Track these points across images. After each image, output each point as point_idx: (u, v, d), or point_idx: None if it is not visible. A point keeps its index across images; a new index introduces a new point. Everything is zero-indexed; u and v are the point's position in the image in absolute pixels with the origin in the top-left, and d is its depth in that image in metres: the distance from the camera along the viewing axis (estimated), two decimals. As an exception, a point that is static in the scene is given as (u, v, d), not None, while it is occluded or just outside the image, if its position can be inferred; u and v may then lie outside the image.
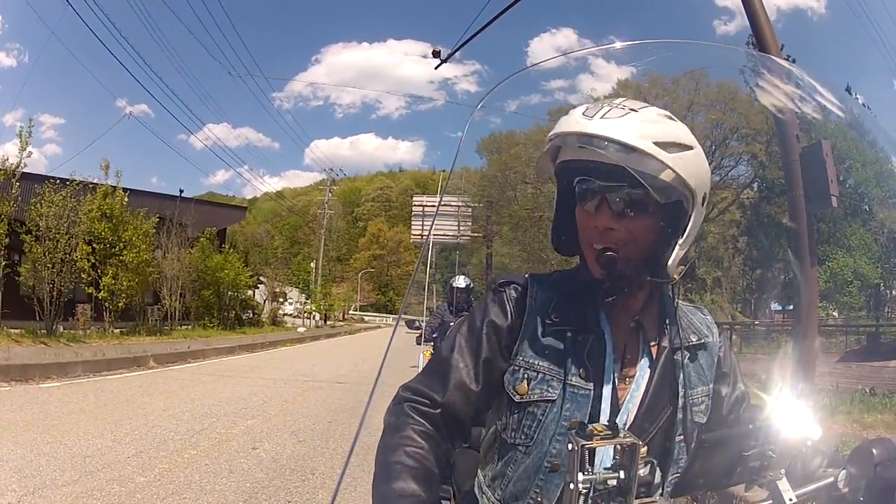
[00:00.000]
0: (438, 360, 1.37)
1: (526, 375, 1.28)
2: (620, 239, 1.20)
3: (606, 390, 1.25)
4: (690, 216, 1.19)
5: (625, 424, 1.23)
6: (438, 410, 1.28)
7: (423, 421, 1.27)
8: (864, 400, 9.38)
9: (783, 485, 1.12)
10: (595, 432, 1.22)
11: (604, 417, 1.24)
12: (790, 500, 1.11)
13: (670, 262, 1.19)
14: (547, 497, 1.27)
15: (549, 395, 1.26)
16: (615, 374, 1.27)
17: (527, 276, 1.37)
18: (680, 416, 1.27)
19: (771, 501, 1.13)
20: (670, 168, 1.12)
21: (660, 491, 1.32)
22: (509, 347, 1.31)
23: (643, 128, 1.14)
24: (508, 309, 1.33)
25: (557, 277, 1.37)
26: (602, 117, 1.15)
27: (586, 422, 1.14)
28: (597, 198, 1.20)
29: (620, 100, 1.22)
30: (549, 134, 1.21)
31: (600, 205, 1.20)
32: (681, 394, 1.28)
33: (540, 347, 1.28)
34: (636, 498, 1.17)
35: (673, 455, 1.27)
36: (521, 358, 1.29)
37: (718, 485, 1.16)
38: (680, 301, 1.40)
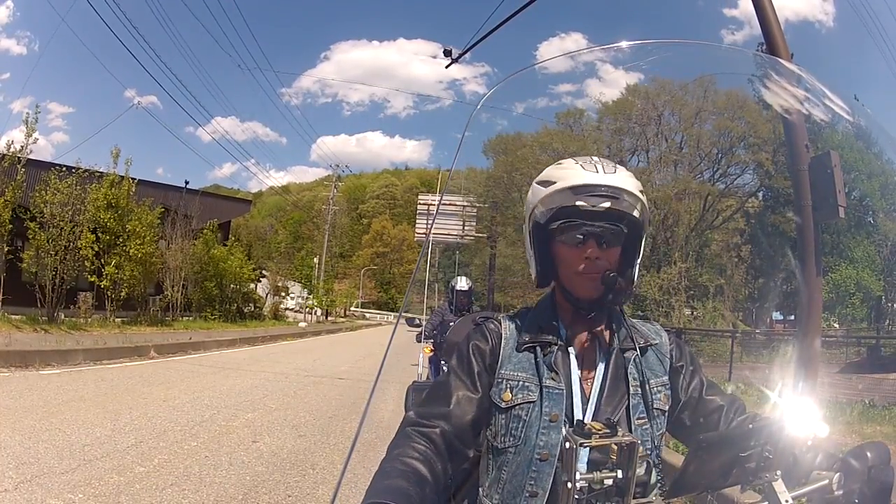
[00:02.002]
0: (438, 385, 1.57)
1: (508, 385, 1.48)
2: (604, 266, 1.43)
3: (575, 388, 1.45)
4: (642, 244, 1.49)
5: (593, 414, 1.43)
6: (439, 429, 1.43)
7: (422, 441, 1.40)
8: (864, 411, 9.36)
9: (779, 486, 1.13)
10: (594, 430, 1.25)
11: (577, 410, 1.43)
12: (786, 501, 1.12)
13: (635, 277, 1.50)
14: (541, 486, 1.39)
15: (531, 397, 1.45)
16: (580, 375, 1.48)
17: (500, 315, 1.63)
18: (635, 401, 1.46)
19: (767, 503, 1.14)
20: (645, 210, 1.45)
21: (655, 491, 1.35)
22: (492, 366, 1.52)
23: (634, 181, 1.44)
24: (488, 337, 1.55)
25: (523, 312, 1.63)
26: (615, 173, 1.43)
27: (563, 416, 1.40)
28: (583, 235, 1.43)
29: (597, 158, 1.49)
30: (563, 185, 1.44)
31: (586, 240, 1.43)
32: (632, 383, 1.47)
33: (517, 363, 1.50)
34: (633, 498, 1.20)
35: (637, 434, 1.40)
36: (502, 372, 1.50)
37: (715, 485, 1.17)
38: (634, 319, 1.62)
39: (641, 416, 1.45)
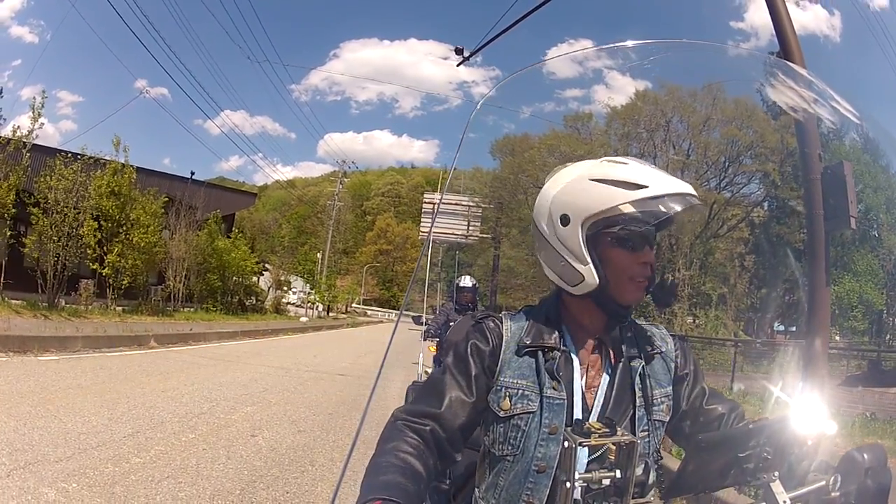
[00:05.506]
0: (432, 381, 1.52)
1: (507, 393, 1.43)
2: (648, 271, 1.41)
3: (577, 398, 1.40)
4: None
5: None
6: (429, 427, 1.40)
7: (414, 436, 1.38)
8: (865, 424, 9.34)
9: (777, 487, 1.13)
10: (592, 429, 1.24)
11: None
12: (783, 502, 1.12)
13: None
14: (538, 497, 1.37)
15: (530, 407, 1.40)
16: (583, 384, 1.43)
17: (502, 313, 1.55)
18: (640, 413, 1.42)
19: (764, 503, 1.13)
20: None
21: (653, 491, 1.34)
22: (491, 368, 1.46)
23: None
24: (488, 336, 1.49)
25: (526, 311, 1.56)
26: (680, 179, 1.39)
27: (562, 427, 1.36)
28: (641, 240, 1.40)
29: (636, 159, 1.44)
30: (659, 192, 1.35)
31: (642, 245, 1.39)
32: (638, 395, 1.43)
33: (517, 368, 1.44)
34: (631, 498, 1.19)
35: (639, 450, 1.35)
36: (502, 379, 1.45)
37: (713, 486, 1.17)
38: (639, 321, 1.58)
39: (645, 428, 1.41)
